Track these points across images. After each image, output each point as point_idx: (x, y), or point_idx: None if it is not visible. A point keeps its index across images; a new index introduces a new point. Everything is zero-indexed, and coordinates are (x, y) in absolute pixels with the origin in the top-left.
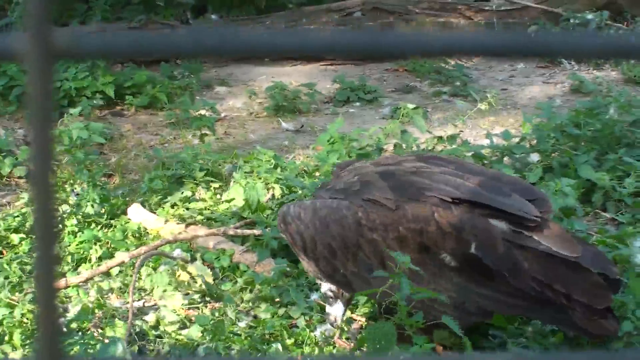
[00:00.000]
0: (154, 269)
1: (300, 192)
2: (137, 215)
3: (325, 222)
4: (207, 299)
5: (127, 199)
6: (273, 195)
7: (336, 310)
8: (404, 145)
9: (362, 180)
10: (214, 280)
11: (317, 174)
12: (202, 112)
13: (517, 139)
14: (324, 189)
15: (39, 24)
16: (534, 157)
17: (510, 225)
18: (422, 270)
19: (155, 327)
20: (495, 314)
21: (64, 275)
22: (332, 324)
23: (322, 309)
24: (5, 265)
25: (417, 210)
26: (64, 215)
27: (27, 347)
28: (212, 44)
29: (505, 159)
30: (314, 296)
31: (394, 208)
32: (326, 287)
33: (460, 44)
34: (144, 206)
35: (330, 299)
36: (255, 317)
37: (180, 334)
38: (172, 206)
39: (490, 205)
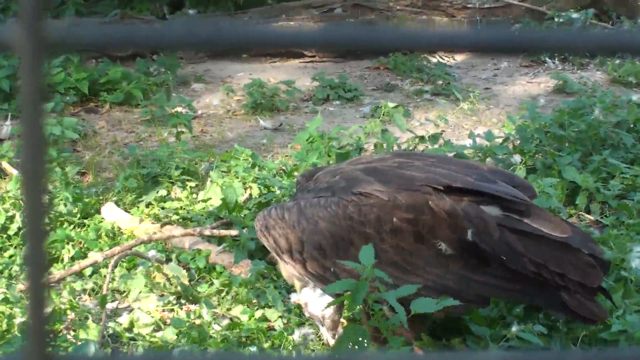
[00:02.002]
0: (128, 269)
1: (278, 192)
2: (111, 214)
3: (314, 220)
4: (183, 300)
5: (100, 197)
6: (250, 195)
7: (307, 297)
8: (384, 145)
9: (346, 177)
10: (189, 281)
11: (296, 173)
12: (179, 109)
13: (500, 140)
14: (302, 192)
15: (32, 15)
16: (517, 158)
17: (501, 210)
18: (418, 260)
19: (129, 329)
20: (493, 300)
21: None
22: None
23: (302, 312)
24: None
25: (411, 199)
26: None
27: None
28: (206, 36)
29: (488, 159)
30: (293, 297)
31: (387, 199)
32: (317, 309)
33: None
34: (118, 205)
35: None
36: (231, 319)
37: (154, 337)
38: (147, 205)
39: (480, 192)
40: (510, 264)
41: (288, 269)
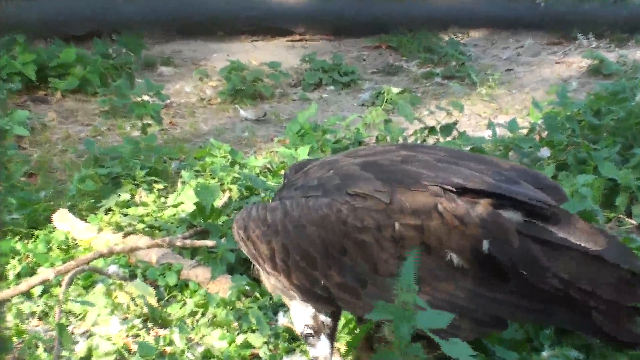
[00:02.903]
0: (85, 288)
1: (262, 194)
2: (64, 222)
3: (301, 224)
4: (150, 324)
5: (52, 203)
6: (230, 198)
7: (321, 350)
8: (387, 138)
9: (341, 173)
10: (158, 301)
11: (283, 172)
12: (144, 97)
13: (524, 130)
14: (288, 189)
15: None
16: (545, 151)
17: (523, 215)
18: (423, 273)
19: (87, 358)
20: (511, 322)
21: None
22: None
23: (291, 336)
24: None
25: (416, 202)
26: None
27: None
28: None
29: (510, 154)
30: (281, 320)
31: (387, 201)
32: (301, 322)
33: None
34: (72, 212)
35: (310, 338)
36: (208, 346)
37: None
38: (107, 212)
39: (500, 194)
40: (532, 280)
41: (271, 281)
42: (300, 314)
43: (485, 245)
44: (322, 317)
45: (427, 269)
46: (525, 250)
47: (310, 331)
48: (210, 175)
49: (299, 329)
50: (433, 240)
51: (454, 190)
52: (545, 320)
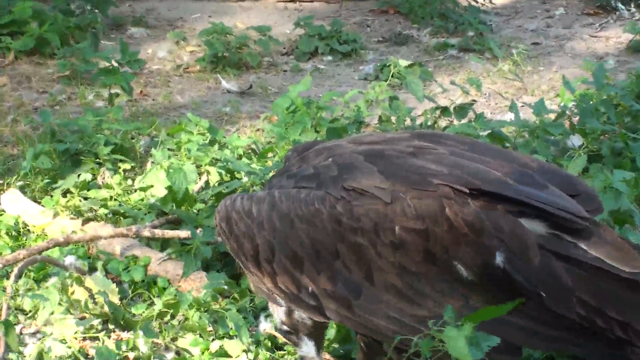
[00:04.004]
0: (37, 281)
1: (245, 179)
2: (14, 205)
3: (289, 219)
4: (111, 326)
5: (0, 182)
6: (207, 182)
7: (306, 349)
8: (393, 118)
9: (340, 163)
10: (120, 300)
11: (271, 155)
12: (112, 62)
13: (552, 114)
14: (281, 176)
15: None
16: (576, 140)
17: (547, 227)
18: (426, 287)
19: None
20: (527, 350)
21: None
22: None
23: (274, 344)
24: None
25: (422, 203)
26: None
27: None
28: None
29: (536, 141)
30: (264, 324)
31: (388, 201)
32: (277, 319)
33: None
34: (24, 192)
35: (290, 335)
36: (178, 353)
37: None
38: (64, 194)
39: (521, 200)
40: (551, 304)
41: (255, 282)
42: (275, 311)
43: (499, 258)
44: (297, 315)
45: (431, 282)
46: (546, 268)
47: (287, 328)
48: (186, 155)
49: (278, 325)
50: (439, 249)
51: (467, 192)
52: (566, 349)
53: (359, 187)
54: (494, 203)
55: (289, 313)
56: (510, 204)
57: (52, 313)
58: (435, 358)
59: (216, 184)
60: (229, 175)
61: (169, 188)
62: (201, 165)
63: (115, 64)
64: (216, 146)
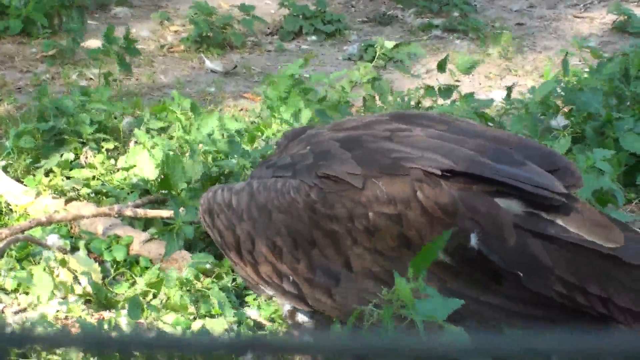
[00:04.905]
0: (19, 260)
1: (234, 161)
2: None
3: (267, 210)
4: (93, 305)
5: None
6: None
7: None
8: (377, 99)
9: (316, 150)
10: (103, 279)
11: (259, 135)
12: (96, 41)
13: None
14: (262, 166)
15: None
16: (561, 120)
17: (524, 205)
18: (403, 271)
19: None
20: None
21: None
22: None
23: (257, 324)
24: None
25: (393, 188)
26: None
27: None
28: None
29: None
30: (250, 312)
31: (360, 187)
32: (284, 313)
33: None
34: (6, 172)
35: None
36: (160, 332)
37: (54, 353)
38: (47, 173)
39: (497, 179)
40: (528, 283)
41: (240, 273)
42: (282, 307)
43: (473, 239)
44: (300, 317)
45: (407, 266)
46: (522, 247)
47: (305, 318)
48: (169, 135)
49: (287, 312)
50: (413, 233)
51: (439, 174)
52: (547, 328)
53: (332, 174)
54: (469, 184)
55: (292, 314)
56: (485, 184)
57: (28, 293)
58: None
59: (210, 164)
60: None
61: (165, 177)
62: (183, 145)
63: (97, 43)
64: (197, 127)
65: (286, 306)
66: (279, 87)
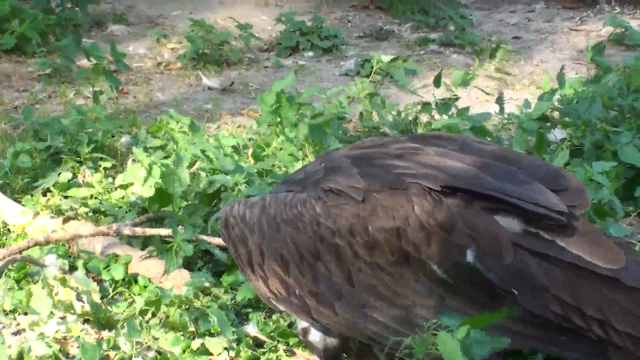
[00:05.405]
0: (17, 281)
1: (228, 177)
2: None
3: (275, 223)
4: (92, 325)
5: None
6: (195, 174)
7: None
8: (374, 115)
9: (328, 166)
10: (101, 298)
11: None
12: (93, 60)
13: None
14: (283, 181)
15: None
16: (558, 133)
17: (524, 223)
18: (401, 287)
19: None
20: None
21: None
22: None
23: (256, 343)
24: None
25: (391, 203)
26: None
27: None
28: None
29: (519, 135)
30: (250, 329)
31: (360, 199)
32: (317, 336)
33: None
34: (4, 192)
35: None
36: (159, 352)
37: None
38: (45, 193)
39: (497, 197)
40: (524, 302)
41: (255, 287)
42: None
43: (470, 256)
44: (312, 334)
45: (406, 282)
46: (519, 265)
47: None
48: (167, 153)
49: (310, 336)
50: (411, 248)
51: (439, 189)
52: (543, 348)
53: (335, 187)
54: (469, 200)
55: (304, 334)
56: (485, 200)
57: (36, 313)
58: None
59: (205, 181)
60: (211, 172)
61: (160, 190)
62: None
63: (100, 62)
64: (202, 143)
65: (300, 323)
66: (269, 103)
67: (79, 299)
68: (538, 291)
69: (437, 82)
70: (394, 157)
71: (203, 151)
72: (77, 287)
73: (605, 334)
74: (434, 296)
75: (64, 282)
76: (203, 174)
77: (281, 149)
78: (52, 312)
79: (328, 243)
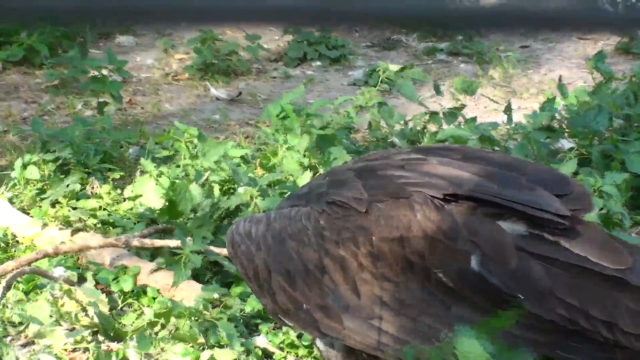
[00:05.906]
0: (26, 293)
1: (241, 190)
2: (2, 216)
3: (280, 237)
4: (101, 337)
5: None
6: (206, 183)
7: None
8: (382, 124)
9: (332, 180)
10: (110, 310)
11: (257, 163)
12: (100, 71)
13: (543, 118)
14: (288, 196)
15: None
16: (566, 143)
17: (527, 227)
18: (407, 297)
19: None
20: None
21: None
22: None
23: (264, 353)
24: None
25: (394, 212)
26: None
27: None
28: None
29: (528, 144)
30: (260, 340)
31: (363, 210)
32: (320, 345)
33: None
34: (12, 203)
35: None
36: None
37: None
38: (53, 204)
39: (500, 202)
40: (530, 307)
41: (263, 304)
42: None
43: (474, 262)
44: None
45: (412, 291)
46: (523, 269)
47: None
48: (175, 164)
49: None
50: (415, 256)
51: (441, 197)
52: (550, 353)
53: (338, 199)
54: (472, 207)
55: (327, 354)
56: (489, 207)
57: (42, 325)
58: None
59: (219, 193)
60: (223, 184)
61: (171, 203)
62: (189, 174)
63: (104, 72)
64: (211, 156)
65: (319, 344)
66: (275, 114)
67: (84, 310)
68: (542, 294)
69: (437, 90)
70: (397, 167)
71: (217, 162)
72: (82, 301)
73: (612, 336)
74: (440, 304)
75: (69, 293)
76: (216, 187)
77: (284, 157)
78: (59, 323)
79: (333, 255)
